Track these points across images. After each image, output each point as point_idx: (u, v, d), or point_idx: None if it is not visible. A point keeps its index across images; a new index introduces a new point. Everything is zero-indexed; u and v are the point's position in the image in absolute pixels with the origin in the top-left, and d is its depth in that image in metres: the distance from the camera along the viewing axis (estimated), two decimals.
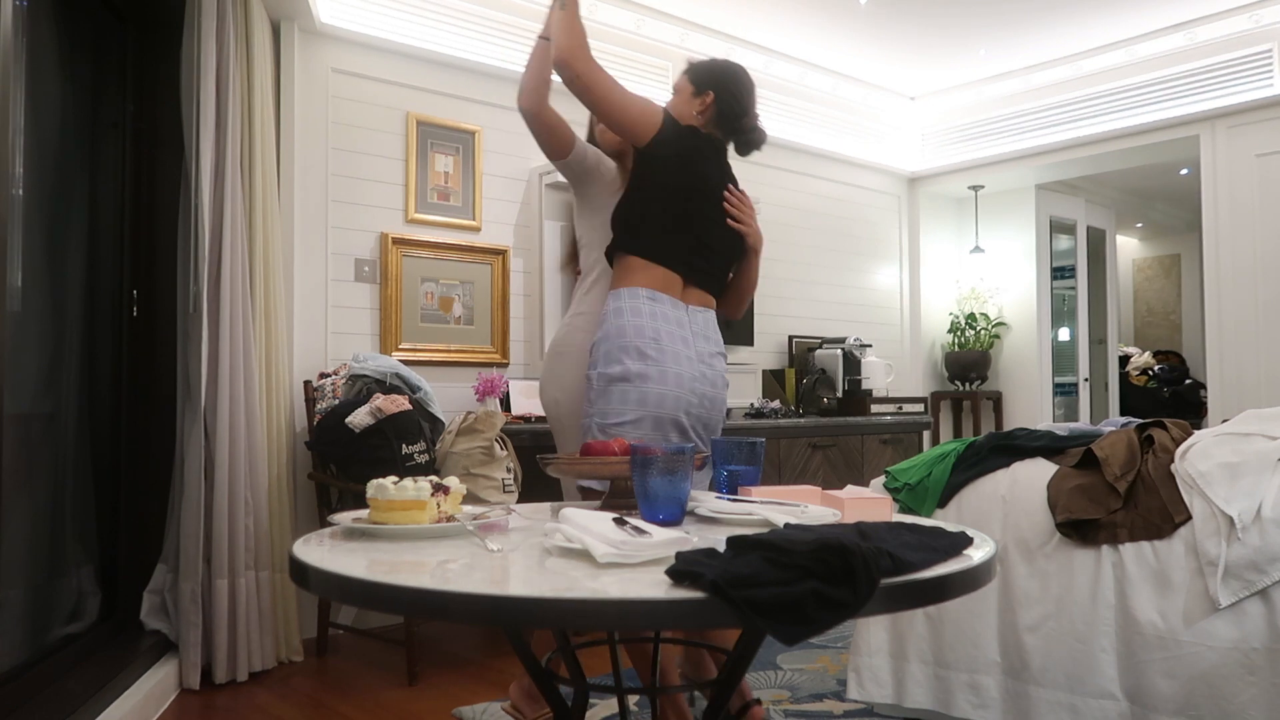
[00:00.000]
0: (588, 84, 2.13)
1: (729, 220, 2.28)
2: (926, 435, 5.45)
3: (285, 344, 3.34)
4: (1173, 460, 2.16)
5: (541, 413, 3.90)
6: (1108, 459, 2.20)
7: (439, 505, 1.46)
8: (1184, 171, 6.20)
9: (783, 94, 5.39)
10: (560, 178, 4.00)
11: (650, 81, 4.75)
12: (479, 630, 3.54)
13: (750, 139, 2.36)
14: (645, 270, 2.19)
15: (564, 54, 2.12)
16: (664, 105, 2.31)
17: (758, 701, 2.30)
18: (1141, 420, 2.41)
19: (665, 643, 1.92)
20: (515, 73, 4.21)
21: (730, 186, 2.31)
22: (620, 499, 1.65)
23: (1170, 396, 7.59)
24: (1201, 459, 2.11)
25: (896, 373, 5.67)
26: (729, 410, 4.42)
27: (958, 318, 6.26)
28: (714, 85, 2.31)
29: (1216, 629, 1.96)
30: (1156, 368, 7.90)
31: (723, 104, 2.30)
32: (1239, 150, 4.91)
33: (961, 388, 6.21)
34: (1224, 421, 2.40)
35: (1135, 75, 5.21)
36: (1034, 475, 2.32)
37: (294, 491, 3.35)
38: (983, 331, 6.18)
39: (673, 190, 2.22)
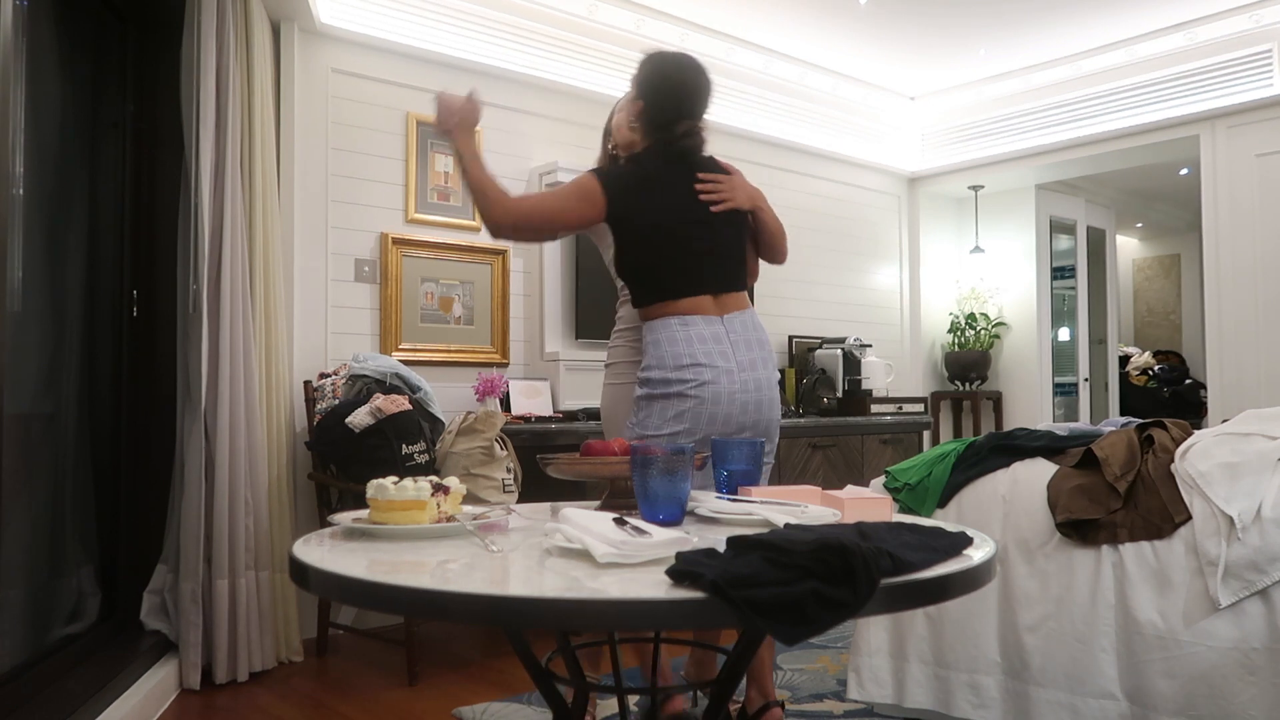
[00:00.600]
0: (526, 223, 2.16)
1: (712, 208, 2.22)
2: (926, 435, 5.45)
3: (285, 344, 3.34)
4: (1173, 460, 2.16)
5: (541, 413, 3.91)
6: (1108, 459, 2.20)
7: (439, 505, 1.46)
8: (1184, 171, 6.20)
9: (783, 94, 5.39)
10: (560, 179, 4.02)
11: None
12: (479, 630, 3.54)
13: (679, 145, 2.23)
14: (670, 305, 2.19)
15: (492, 219, 2.12)
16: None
17: (780, 704, 2.28)
18: (1141, 420, 2.41)
19: (665, 643, 1.92)
20: (515, 73, 4.24)
21: (699, 176, 2.23)
22: (620, 499, 1.65)
23: (1170, 396, 7.59)
24: (1201, 459, 2.11)
25: (896, 373, 5.67)
26: None
27: (958, 318, 6.26)
28: (643, 91, 2.25)
29: (1216, 629, 1.96)
30: (1156, 368, 7.90)
31: (651, 111, 2.23)
32: (1239, 150, 4.91)
33: (961, 388, 6.21)
34: (1224, 421, 2.40)
35: (1135, 75, 5.20)
36: (1034, 475, 2.32)
37: (294, 491, 3.35)
38: (983, 331, 6.18)
39: (649, 234, 2.20)
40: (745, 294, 2.30)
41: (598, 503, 1.71)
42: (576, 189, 2.18)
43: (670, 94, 2.23)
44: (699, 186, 2.22)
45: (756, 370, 2.21)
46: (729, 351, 2.17)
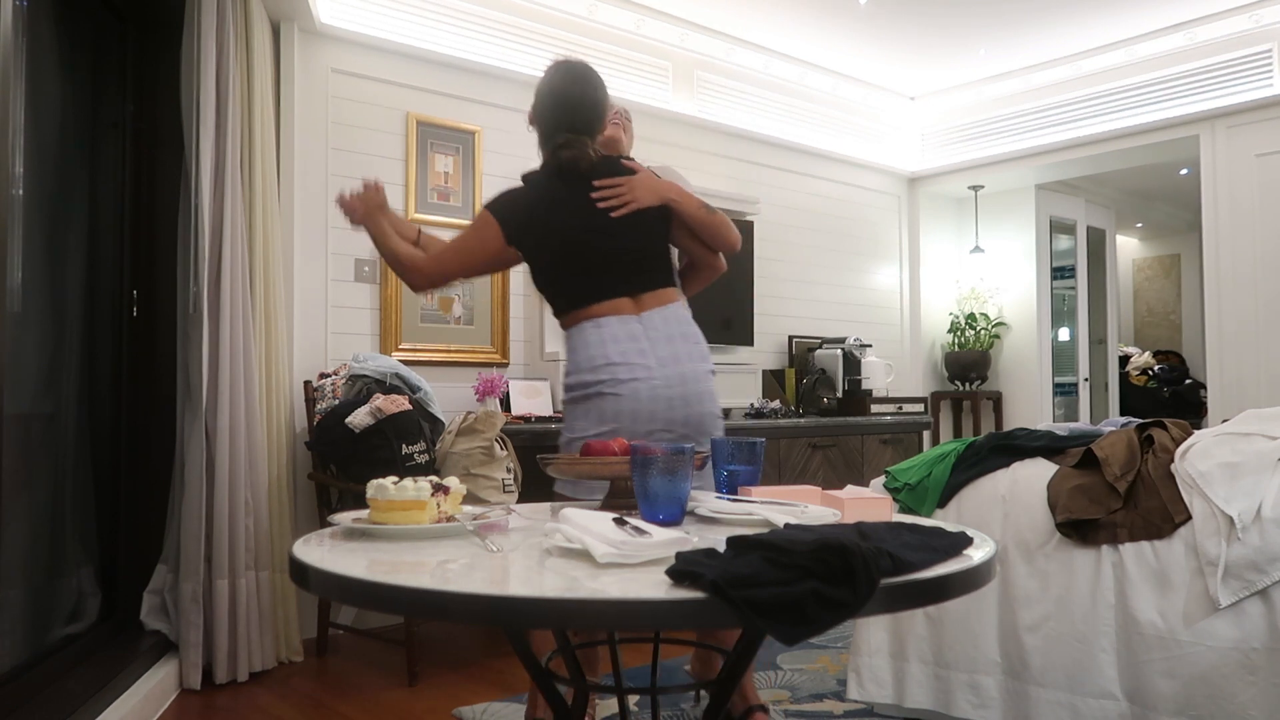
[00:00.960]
0: (442, 277, 2.22)
1: (613, 214, 2.17)
2: (926, 435, 5.45)
3: (285, 344, 3.34)
4: (1173, 460, 2.16)
5: (541, 413, 3.91)
6: (1108, 459, 2.20)
7: (439, 505, 1.46)
8: (1184, 171, 6.20)
9: (783, 94, 5.39)
10: None
11: (650, 81, 4.75)
12: (479, 630, 3.54)
13: (558, 156, 2.19)
14: (583, 312, 2.19)
15: (410, 283, 2.22)
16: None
17: (763, 708, 2.28)
18: (1141, 420, 2.41)
19: (665, 643, 1.92)
20: (515, 73, 4.24)
21: (594, 184, 2.18)
22: (620, 499, 1.65)
23: (1170, 396, 7.59)
24: (1201, 459, 2.11)
25: (896, 373, 5.67)
26: (728, 410, 4.43)
27: (958, 318, 6.26)
28: (534, 100, 2.25)
29: (1216, 629, 1.96)
30: (1156, 368, 7.90)
31: (537, 121, 2.25)
32: (1239, 150, 4.91)
33: (961, 388, 6.21)
34: (1224, 421, 2.40)
35: (1135, 75, 5.21)
36: (1034, 475, 2.32)
37: (294, 491, 3.35)
38: (983, 331, 6.18)
39: (548, 250, 2.21)
40: (670, 290, 2.26)
41: (598, 502, 1.71)
42: (474, 227, 2.23)
43: (551, 105, 2.23)
44: (595, 195, 2.18)
45: (680, 365, 2.17)
46: (647, 349, 2.15)
